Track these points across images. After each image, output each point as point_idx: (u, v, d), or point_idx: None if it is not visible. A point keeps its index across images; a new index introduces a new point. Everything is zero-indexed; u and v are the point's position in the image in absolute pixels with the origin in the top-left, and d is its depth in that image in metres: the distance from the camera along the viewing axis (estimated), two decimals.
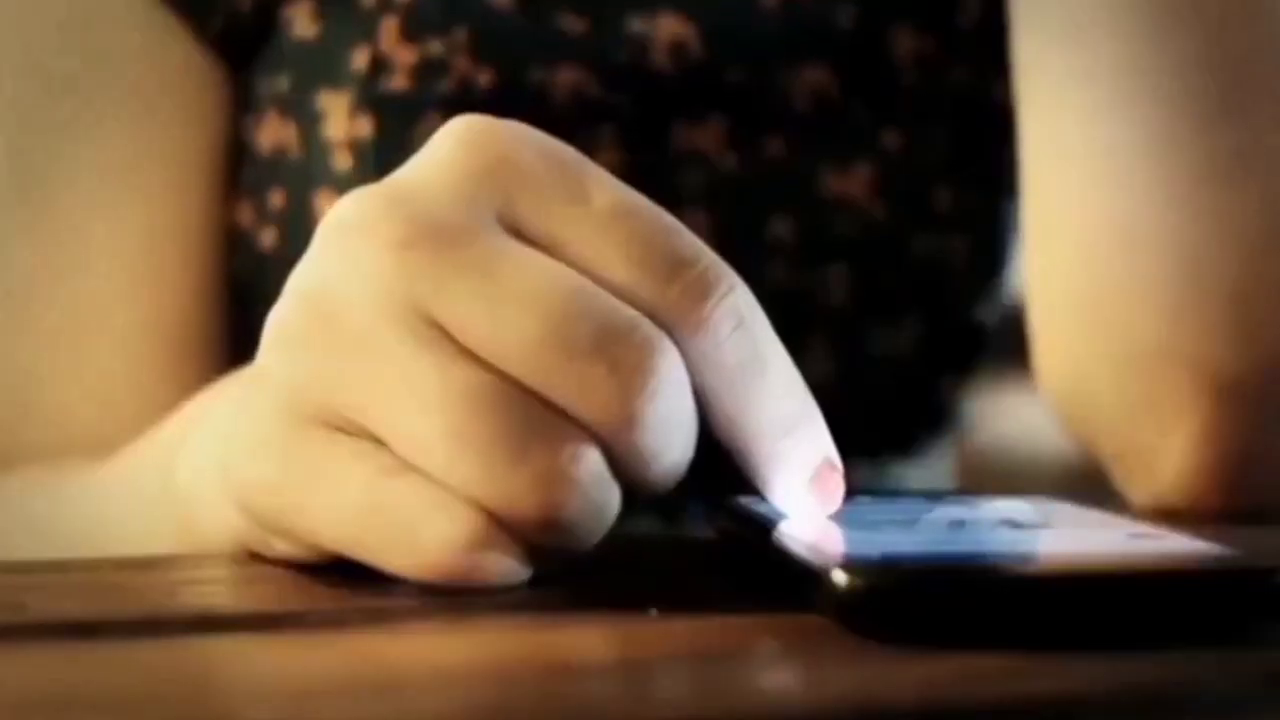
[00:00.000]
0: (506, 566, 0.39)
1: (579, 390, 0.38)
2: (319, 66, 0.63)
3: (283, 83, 0.64)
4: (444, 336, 0.39)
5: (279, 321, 0.41)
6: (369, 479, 0.39)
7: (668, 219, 0.40)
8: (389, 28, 0.61)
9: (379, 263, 0.39)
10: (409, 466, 0.39)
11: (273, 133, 0.64)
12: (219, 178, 0.65)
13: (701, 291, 0.39)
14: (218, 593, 0.43)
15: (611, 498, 0.39)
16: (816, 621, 0.36)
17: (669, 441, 0.39)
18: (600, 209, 0.40)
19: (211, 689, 0.33)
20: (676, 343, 0.39)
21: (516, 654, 0.35)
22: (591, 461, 0.38)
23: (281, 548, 0.42)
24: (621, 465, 0.39)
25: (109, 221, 0.63)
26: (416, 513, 0.38)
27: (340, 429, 0.40)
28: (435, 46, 0.61)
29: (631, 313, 0.39)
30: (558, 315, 0.38)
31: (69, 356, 0.63)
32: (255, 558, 0.43)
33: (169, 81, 0.64)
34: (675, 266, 0.39)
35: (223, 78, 0.65)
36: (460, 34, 0.61)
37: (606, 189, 0.40)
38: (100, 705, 0.31)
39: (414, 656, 0.35)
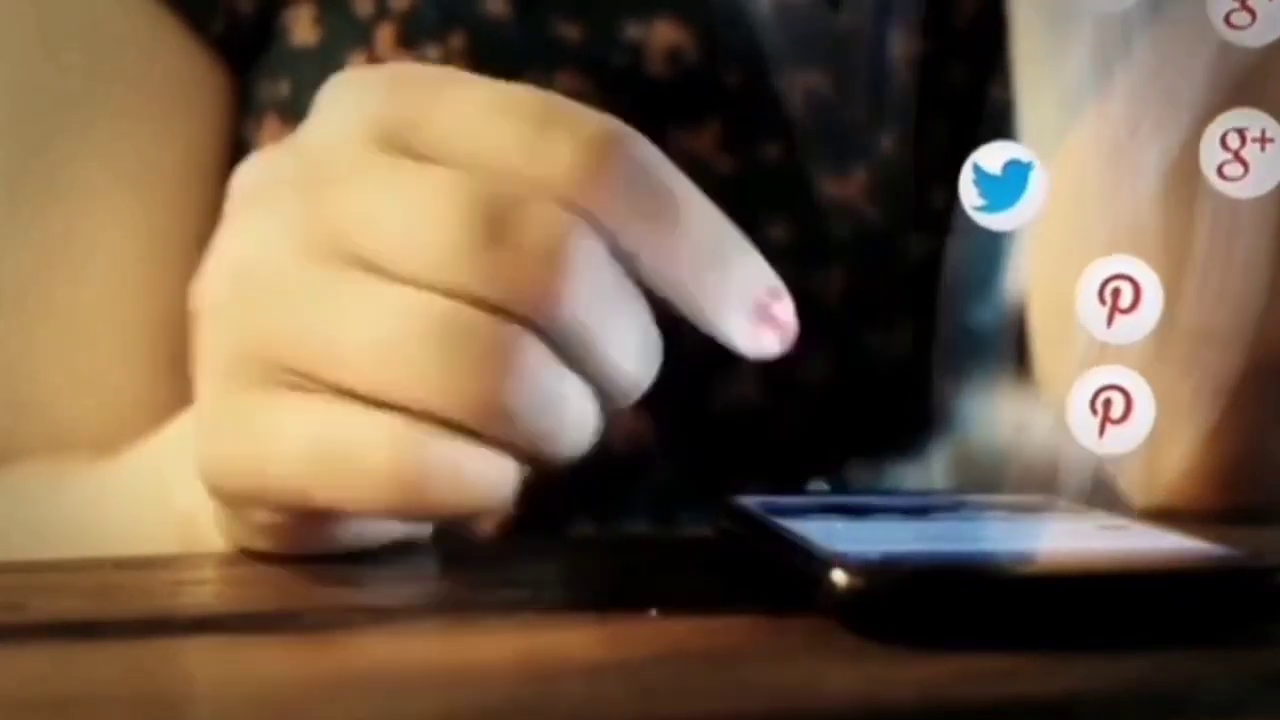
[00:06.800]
0: (475, 475, 0.38)
1: (497, 282, 0.37)
2: (318, 73, 0.62)
3: (283, 88, 0.64)
4: (367, 266, 0.39)
5: (202, 292, 0.41)
6: (312, 423, 0.39)
7: (548, 95, 0.40)
8: (385, 35, 0.61)
9: (289, 210, 0.39)
10: (348, 401, 0.38)
11: (273, 137, 0.64)
12: (221, 179, 0.65)
13: (593, 152, 0.39)
14: (218, 593, 0.43)
15: (565, 388, 0.38)
16: (816, 621, 0.36)
17: (604, 317, 0.38)
18: (480, 104, 0.39)
19: (211, 689, 0.33)
20: (586, 212, 0.38)
21: (516, 654, 0.35)
22: (530, 344, 0.38)
23: (261, 518, 0.42)
24: (571, 354, 0.38)
25: (109, 221, 0.63)
26: (360, 442, 0.38)
27: (283, 384, 0.39)
28: (431, 53, 0.61)
29: (529, 196, 0.38)
30: (455, 218, 0.38)
31: (68, 357, 0.63)
32: (254, 558, 0.43)
33: (168, 81, 0.64)
34: (563, 136, 0.39)
35: (224, 80, 0.65)
36: (456, 41, 0.61)
37: (484, 86, 0.40)
38: (100, 705, 0.31)
39: (414, 656, 0.35)
